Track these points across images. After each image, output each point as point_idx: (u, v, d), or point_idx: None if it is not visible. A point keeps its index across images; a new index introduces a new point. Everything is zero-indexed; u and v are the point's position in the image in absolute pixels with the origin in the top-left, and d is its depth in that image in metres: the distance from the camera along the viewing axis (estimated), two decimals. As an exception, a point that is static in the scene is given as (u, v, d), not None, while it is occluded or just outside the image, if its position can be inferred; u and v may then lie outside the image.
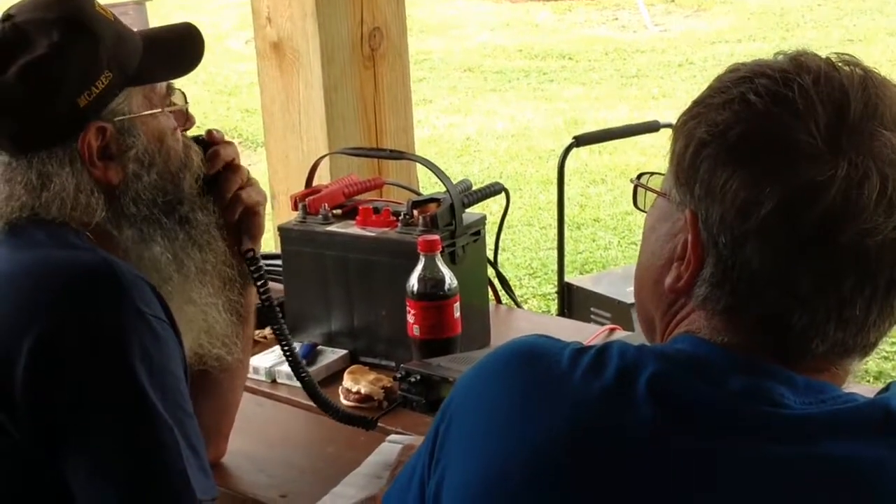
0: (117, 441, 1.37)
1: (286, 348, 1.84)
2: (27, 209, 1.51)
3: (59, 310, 1.40)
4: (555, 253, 3.94)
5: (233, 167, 1.72)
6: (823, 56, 1.07)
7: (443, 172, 2.14)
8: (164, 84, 1.63)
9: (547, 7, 11.81)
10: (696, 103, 1.09)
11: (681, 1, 11.66)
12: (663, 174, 1.14)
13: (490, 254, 2.37)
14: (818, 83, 1.03)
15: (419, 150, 2.78)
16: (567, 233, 4.39)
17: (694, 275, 1.07)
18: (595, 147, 7.08)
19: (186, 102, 1.67)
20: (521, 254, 5.92)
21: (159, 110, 1.60)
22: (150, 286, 1.46)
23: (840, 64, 1.05)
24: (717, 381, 1.03)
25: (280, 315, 1.81)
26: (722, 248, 1.03)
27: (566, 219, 4.01)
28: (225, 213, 1.71)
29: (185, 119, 1.66)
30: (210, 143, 1.71)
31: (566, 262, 3.95)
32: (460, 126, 8.32)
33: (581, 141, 3.72)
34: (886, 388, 1.05)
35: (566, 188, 3.90)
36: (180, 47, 1.67)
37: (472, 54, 10.40)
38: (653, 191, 1.18)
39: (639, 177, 1.22)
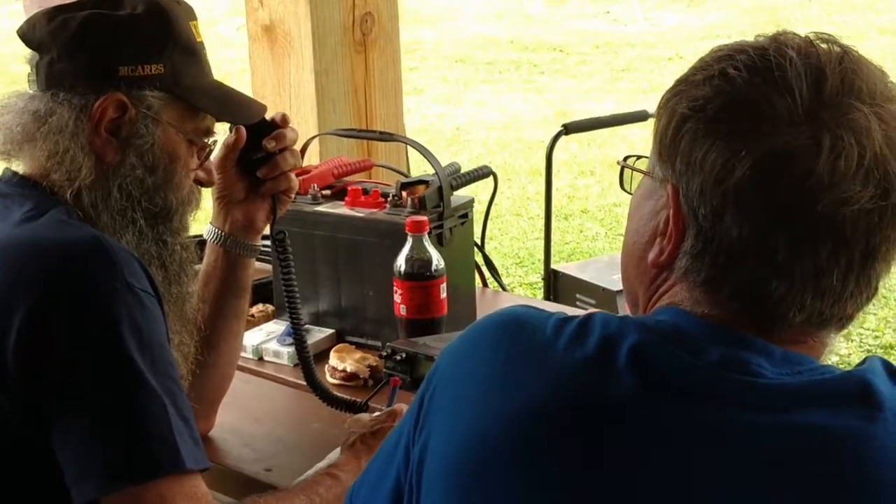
0: (106, 410, 1.38)
1: (298, 334, 1.90)
2: (27, 137, 1.55)
3: (50, 283, 1.41)
4: (542, 243, 3.96)
5: (293, 151, 1.82)
6: (802, 35, 1.09)
7: (431, 154, 2.15)
8: (207, 125, 1.66)
9: (540, -1, 11.83)
10: (679, 82, 1.11)
11: (673, -4, 11.69)
12: (648, 157, 1.16)
13: (477, 238, 2.39)
14: (797, 58, 1.04)
15: (409, 138, 2.80)
16: (555, 223, 4.41)
17: (676, 248, 1.08)
18: (584, 139, 7.11)
19: (211, 149, 1.70)
20: (509, 243, 5.94)
21: (182, 134, 1.62)
22: (138, 261, 1.47)
23: (818, 42, 1.07)
24: (695, 352, 1.04)
25: (298, 299, 1.90)
26: (702, 220, 1.05)
27: (554, 210, 4.03)
28: (265, 188, 1.82)
29: (208, 175, 1.71)
30: (278, 124, 1.80)
31: (553, 252, 3.97)
32: (451, 116, 8.34)
33: (570, 129, 3.73)
34: (863, 362, 1.07)
35: (555, 179, 3.91)
36: (235, 103, 1.72)
37: (464, 45, 10.41)
38: (637, 170, 1.19)
39: (625, 159, 1.24)
